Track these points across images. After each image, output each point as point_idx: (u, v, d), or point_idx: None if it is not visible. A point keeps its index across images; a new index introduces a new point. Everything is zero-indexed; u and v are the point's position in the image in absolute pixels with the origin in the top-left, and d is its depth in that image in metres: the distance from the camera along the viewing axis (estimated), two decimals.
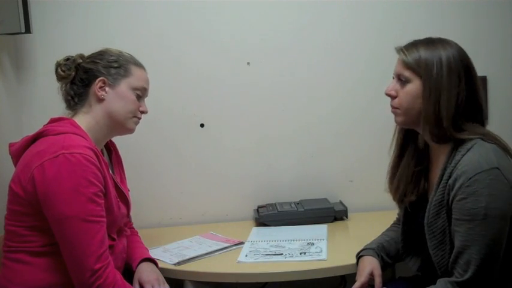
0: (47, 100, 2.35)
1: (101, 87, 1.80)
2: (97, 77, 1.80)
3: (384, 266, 1.80)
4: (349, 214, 2.36)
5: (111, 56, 1.84)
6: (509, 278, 1.59)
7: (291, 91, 2.44)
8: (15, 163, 1.75)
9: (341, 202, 2.44)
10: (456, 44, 1.63)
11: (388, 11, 2.41)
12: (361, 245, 1.87)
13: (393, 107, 1.67)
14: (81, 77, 1.82)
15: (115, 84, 1.81)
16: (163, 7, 2.37)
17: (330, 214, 2.33)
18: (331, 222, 2.32)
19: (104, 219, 1.66)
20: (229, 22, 2.40)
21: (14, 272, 1.68)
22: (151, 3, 2.37)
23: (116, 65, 1.82)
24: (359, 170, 2.48)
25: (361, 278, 1.74)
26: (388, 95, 1.67)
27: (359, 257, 1.83)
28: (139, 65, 1.87)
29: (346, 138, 2.47)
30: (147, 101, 1.92)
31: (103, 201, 1.67)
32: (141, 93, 1.86)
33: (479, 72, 2.42)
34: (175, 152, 2.44)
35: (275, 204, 2.40)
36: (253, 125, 2.45)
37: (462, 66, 1.59)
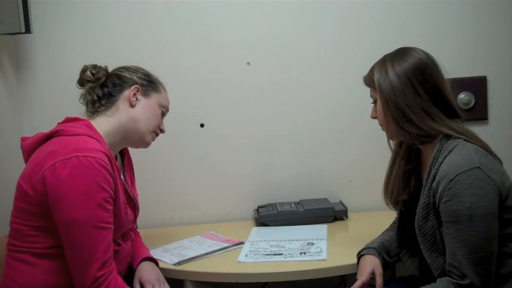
0: (47, 100, 2.35)
1: (134, 94, 1.84)
2: (132, 84, 1.85)
3: (385, 265, 1.81)
4: (349, 214, 2.36)
5: (144, 71, 1.91)
6: (507, 277, 1.59)
7: (291, 91, 2.44)
8: (26, 159, 1.74)
9: (341, 202, 2.44)
10: (412, 52, 1.68)
11: (388, 11, 2.41)
12: (361, 245, 1.87)
13: (381, 126, 1.75)
14: (113, 82, 1.85)
15: (147, 95, 1.87)
16: (163, 7, 2.37)
17: (330, 214, 2.33)
18: (331, 222, 2.32)
19: (111, 226, 1.65)
20: (229, 22, 2.40)
21: (17, 272, 1.68)
22: (152, 3, 2.37)
23: (148, 79, 1.89)
24: (359, 170, 2.48)
25: (362, 278, 1.75)
26: (373, 118, 1.76)
27: (360, 256, 1.84)
28: (164, 87, 1.95)
29: (346, 138, 2.47)
30: None
31: (112, 207, 1.66)
32: (165, 111, 1.93)
33: (479, 72, 2.45)
34: (175, 152, 2.44)
35: (275, 204, 2.40)
36: (253, 124, 2.45)
37: (412, 70, 1.64)
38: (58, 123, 1.78)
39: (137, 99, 1.84)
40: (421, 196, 1.66)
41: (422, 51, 1.69)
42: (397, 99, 1.63)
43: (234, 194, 2.47)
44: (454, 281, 1.55)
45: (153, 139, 1.91)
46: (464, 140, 1.61)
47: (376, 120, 1.76)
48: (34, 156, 1.69)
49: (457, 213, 1.53)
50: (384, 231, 1.92)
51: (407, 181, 1.78)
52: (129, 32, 2.36)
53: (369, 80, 1.73)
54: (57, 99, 2.32)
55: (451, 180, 1.54)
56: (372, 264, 1.78)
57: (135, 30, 2.37)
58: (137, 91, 1.84)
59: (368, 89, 1.77)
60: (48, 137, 1.71)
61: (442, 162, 1.59)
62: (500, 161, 1.65)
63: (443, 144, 1.62)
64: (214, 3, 2.38)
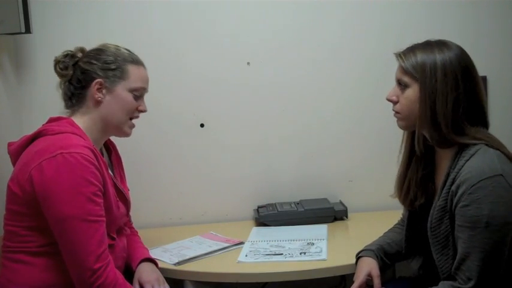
0: (47, 100, 2.35)
1: (98, 89, 1.78)
2: (94, 79, 1.78)
3: (384, 268, 1.80)
4: (349, 214, 2.36)
5: (109, 55, 1.81)
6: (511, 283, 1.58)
7: (291, 91, 2.44)
8: (14, 162, 1.75)
9: (341, 202, 2.43)
10: (456, 46, 1.62)
11: (389, 11, 2.41)
12: (361, 245, 1.87)
13: (395, 112, 1.68)
14: (78, 78, 1.80)
15: (112, 87, 1.79)
16: (163, 7, 2.37)
17: (330, 214, 2.33)
18: (331, 222, 2.32)
19: (103, 219, 1.66)
20: (229, 22, 2.40)
21: (14, 272, 1.69)
22: (152, 3, 2.37)
23: (113, 67, 1.79)
24: (359, 170, 2.48)
25: (359, 279, 1.74)
26: (389, 100, 1.68)
27: (358, 257, 1.83)
28: (137, 62, 1.84)
29: (346, 138, 2.47)
30: (147, 99, 1.92)
31: (102, 200, 1.67)
32: (139, 93, 1.84)
33: (480, 72, 2.42)
34: (175, 152, 2.44)
35: (275, 204, 2.40)
36: (253, 125, 2.45)
37: (460, 69, 1.58)
38: (43, 124, 1.79)
39: (102, 94, 1.78)
40: (436, 198, 1.63)
41: (462, 47, 1.64)
42: (436, 99, 1.56)
43: (234, 194, 2.47)
44: (456, 285, 1.54)
45: (132, 127, 1.86)
46: (486, 144, 1.57)
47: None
48: (21, 158, 1.71)
49: (473, 219, 1.50)
50: (385, 233, 1.91)
51: (424, 185, 1.73)
52: (129, 31, 2.36)
53: (407, 61, 1.60)
54: (57, 99, 2.31)
55: (473, 185, 1.50)
56: (369, 265, 1.77)
57: (135, 30, 2.37)
58: (100, 85, 1.78)
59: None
60: (33, 138, 1.73)
61: (462, 166, 1.55)
62: None
63: (464, 148, 1.58)
64: (215, 4, 2.38)
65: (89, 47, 1.86)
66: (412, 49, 1.63)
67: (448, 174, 1.59)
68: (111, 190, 1.76)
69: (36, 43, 2.33)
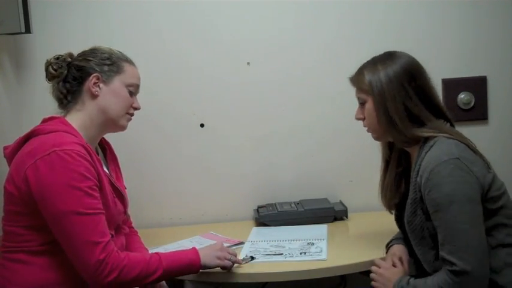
0: (47, 100, 2.33)
1: (94, 83, 1.79)
2: (91, 74, 1.79)
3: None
4: (349, 214, 2.36)
5: (103, 53, 1.83)
6: (497, 269, 1.59)
7: (291, 91, 2.44)
8: (10, 164, 1.75)
9: (341, 202, 2.44)
10: (403, 55, 1.72)
11: (388, 11, 2.41)
12: (361, 245, 1.88)
13: (367, 128, 1.80)
14: (74, 75, 1.81)
15: (108, 81, 1.80)
16: (163, 7, 2.37)
17: (330, 214, 2.33)
18: (331, 222, 2.32)
19: (103, 211, 1.66)
20: (229, 22, 2.41)
21: (13, 272, 1.68)
22: (152, 3, 2.37)
23: (108, 62, 1.82)
24: (359, 170, 2.48)
25: (389, 261, 1.79)
26: (357, 119, 1.81)
27: (389, 247, 1.88)
28: (130, 62, 1.87)
29: (346, 138, 2.46)
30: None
31: (99, 194, 1.67)
32: (133, 89, 1.86)
33: (479, 72, 2.46)
34: (175, 152, 2.44)
35: (275, 204, 2.40)
36: (253, 124, 2.46)
37: (404, 74, 1.68)
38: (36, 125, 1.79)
39: (99, 88, 1.79)
40: (409, 193, 1.69)
41: (409, 55, 1.73)
42: (387, 104, 1.67)
43: (234, 194, 2.48)
44: (448, 268, 1.56)
45: (129, 120, 1.87)
46: (444, 136, 1.65)
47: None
48: (15, 159, 1.71)
49: (437, 202, 1.56)
50: None
51: (398, 184, 1.83)
52: (129, 31, 2.36)
53: (358, 82, 1.76)
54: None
55: (431, 171, 1.57)
56: (399, 250, 1.82)
57: (135, 30, 2.37)
58: (97, 79, 1.79)
59: None
60: (26, 138, 1.73)
61: (423, 158, 1.63)
62: (486, 161, 1.66)
63: (425, 142, 1.66)
64: (215, 3, 2.39)
65: (89, 47, 1.87)
66: (360, 70, 1.77)
67: (414, 168, 1.67)
68: (107, 186, 1.76)
69: (36, 43, 2.33)
